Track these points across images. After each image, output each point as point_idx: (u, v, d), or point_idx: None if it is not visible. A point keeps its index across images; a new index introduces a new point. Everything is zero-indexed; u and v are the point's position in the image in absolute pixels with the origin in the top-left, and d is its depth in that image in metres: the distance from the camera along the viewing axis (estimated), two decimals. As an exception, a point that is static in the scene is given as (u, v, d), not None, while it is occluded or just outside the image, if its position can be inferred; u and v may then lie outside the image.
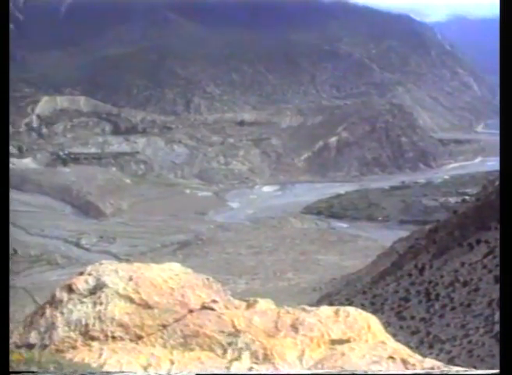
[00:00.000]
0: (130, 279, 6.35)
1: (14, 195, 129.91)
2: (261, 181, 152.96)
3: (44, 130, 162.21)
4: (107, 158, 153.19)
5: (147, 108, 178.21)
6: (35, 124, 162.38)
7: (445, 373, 5.62)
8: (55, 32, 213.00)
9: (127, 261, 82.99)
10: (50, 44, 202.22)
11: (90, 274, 6.44)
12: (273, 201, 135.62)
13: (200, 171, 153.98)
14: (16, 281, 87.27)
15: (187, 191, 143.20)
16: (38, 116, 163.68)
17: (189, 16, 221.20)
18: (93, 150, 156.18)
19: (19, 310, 70.97)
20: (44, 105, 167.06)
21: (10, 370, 5.36)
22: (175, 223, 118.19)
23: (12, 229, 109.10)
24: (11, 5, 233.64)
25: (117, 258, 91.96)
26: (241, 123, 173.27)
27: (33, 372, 5.28)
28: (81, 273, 6.53)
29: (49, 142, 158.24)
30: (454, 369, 5.91)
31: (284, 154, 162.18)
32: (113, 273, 6.41)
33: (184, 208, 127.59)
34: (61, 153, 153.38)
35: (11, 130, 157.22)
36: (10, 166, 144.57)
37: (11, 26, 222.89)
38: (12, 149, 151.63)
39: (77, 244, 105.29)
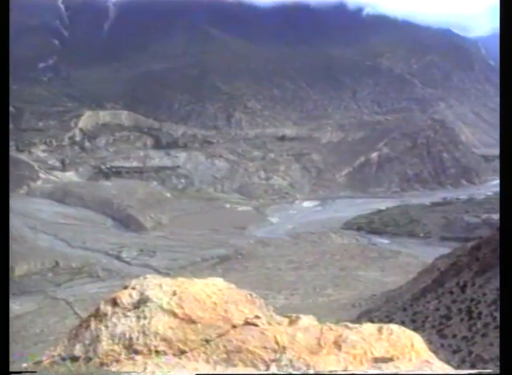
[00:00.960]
0: (174, 293, 6.39)
1: (56, 208, 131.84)
2: (302, 196, 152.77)
3: (87, 144, 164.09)
4: (148, 172, 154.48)
5: (189, 123, 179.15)
6: (78, 138, 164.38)
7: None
8: (98, 48, 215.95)
9: (167, 274, 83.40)
10: (94, 60, 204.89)
11: (134, 288, 6.49)
12: (313, 217, 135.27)
13: (240, 186, 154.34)
14: (57, 293, 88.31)
15: (227, 206, 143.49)
16: (81, 130, 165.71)
17: (231, 32, 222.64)
18: (134, 164, 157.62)
19: (60, 321, 72.01)
20: (87, 119, 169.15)
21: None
22: (215, 238, 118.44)
23: (54, 241, 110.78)
24: (57, 21, 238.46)
25: (157, 271, 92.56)
26: (282, 138, 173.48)
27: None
28: (125, 287, 6.58)
29: (91, 156, 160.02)
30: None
31: (325, 169, 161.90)
32: (157, 288, 6.45)
33: (224, 223, 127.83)
34: (103, 167, 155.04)
35: (54, 143, 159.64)
36: (54, 179, 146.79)
37: (56, 42, 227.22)
38: (55, 162, 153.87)
39: (118, 257, 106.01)
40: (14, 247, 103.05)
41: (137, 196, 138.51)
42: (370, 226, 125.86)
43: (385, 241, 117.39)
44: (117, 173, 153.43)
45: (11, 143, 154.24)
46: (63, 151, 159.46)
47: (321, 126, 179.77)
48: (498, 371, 5.56)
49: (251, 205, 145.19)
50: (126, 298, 6.37)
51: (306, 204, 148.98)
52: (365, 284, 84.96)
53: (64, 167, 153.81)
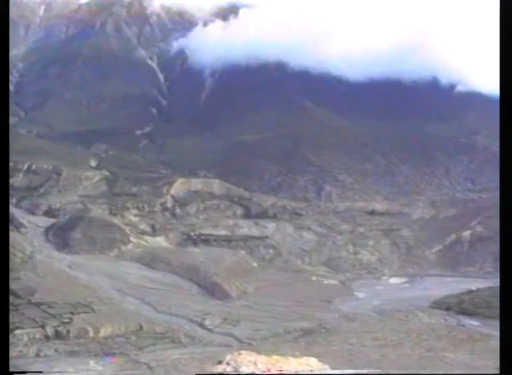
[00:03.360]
0: (268, 371, 6.28)
1: (144, 272, 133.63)
2: (390, 272, 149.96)
3: (178, 211, 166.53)
4: (236, 241, 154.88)
5: (279, 194, 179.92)
6: (169, 204, 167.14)
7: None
8: (194, 117, 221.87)
9: (249, 345, 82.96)
10: (189, 129, 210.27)
11: (228, 364, 6.42)
12: (401, 294, 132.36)
13: (328, 259, 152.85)
14: (140, 357, 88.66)
15: (313, 278, 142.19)
16: (173, 197, 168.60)
17: (324, 105, 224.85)
18: (223, 232, 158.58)
19: (141, 387, 72.19)
20: (179, 186, 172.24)
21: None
22: (299, 310, 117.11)
23: (140, 305, 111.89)
24: (155, 91, 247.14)
25: (239, 341, 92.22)
26: (372, 213, 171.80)
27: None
28: (219, 362, 6.52)
29: (181, 222, 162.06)
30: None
31: (414, 246, 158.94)
32: (251, 365, 6.37)
33: (309, 296, 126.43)
34: (192, 233, 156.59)
35: (146, 208, 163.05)
36: (144, 243, 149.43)
37: (154, 110, 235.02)
38: (146, 227, 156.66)
39: (201, 325, 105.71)
40: (101, 308, 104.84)
41: (224, 264, 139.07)
42: (459, 306, 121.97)
43: (475, 322, 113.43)
44: (205, 240, 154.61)
45: (104, 206, 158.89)
46: (154, 216, 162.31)
47: (412, 202, 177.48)
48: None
49: (338, 278, 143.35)
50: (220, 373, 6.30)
51: (394, 280, 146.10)
52: (453, 367, 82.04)
53: (154, 232, 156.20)
